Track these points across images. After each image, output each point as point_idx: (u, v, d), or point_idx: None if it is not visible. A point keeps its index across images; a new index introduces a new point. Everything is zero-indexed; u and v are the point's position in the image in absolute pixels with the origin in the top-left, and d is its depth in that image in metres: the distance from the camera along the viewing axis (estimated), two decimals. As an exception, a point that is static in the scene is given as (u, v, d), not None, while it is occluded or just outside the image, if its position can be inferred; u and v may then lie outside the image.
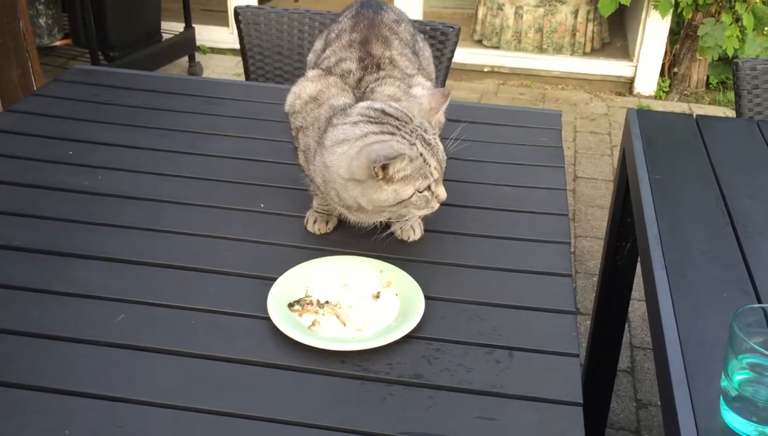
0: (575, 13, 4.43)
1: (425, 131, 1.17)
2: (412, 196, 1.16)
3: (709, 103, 4.28)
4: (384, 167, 1.12)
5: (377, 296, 1.20)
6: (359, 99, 1.25)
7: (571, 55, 4.47)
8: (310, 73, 1.32)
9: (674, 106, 4.23)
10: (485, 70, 4.44)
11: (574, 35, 4.45)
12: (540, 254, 1.34)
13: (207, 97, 1.86)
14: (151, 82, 1.96)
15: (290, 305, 1.16)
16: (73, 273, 1.23)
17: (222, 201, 1.45)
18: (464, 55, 4.32)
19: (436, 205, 1.21)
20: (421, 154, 1.15)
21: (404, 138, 1.14)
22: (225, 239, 1.34)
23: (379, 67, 1.29)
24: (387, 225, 1.31)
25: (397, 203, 1.16)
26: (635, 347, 2.47)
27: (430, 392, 1.04)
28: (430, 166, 1.15)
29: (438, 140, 1.19)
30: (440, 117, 1.34)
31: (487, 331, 1.15)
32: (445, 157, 1.20)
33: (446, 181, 1.52)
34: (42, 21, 4.05)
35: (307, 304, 1.17)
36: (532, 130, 1.79)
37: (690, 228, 1.40)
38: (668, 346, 1.10)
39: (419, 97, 1.20)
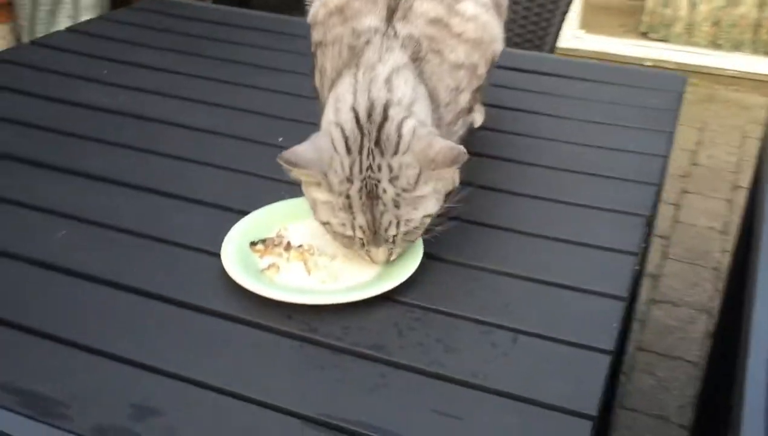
0: (760, 5, 3.86)
1: (390, 180, 0.83)
2: (326, 224, 0.88)
3: None
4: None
5: (366, 248, 0.93)
6: (393, 11, 0.99)
7: (753, 53, 3.90)
8: None
9: None
10: (646, 64, 3.98)
11: (756, 31, 3.88)
12: (606, 225, 1.02)
13: (267, 30, 1.68)
14: (214, 14, 1.80)
15: (253, 244, 0.93)
16: (41, 185, 1.07)
17: (243, 132, 1.24)
18: (624, 46, 3.89)
19: (370, 261, 0.89)
20: (348, 198, 0.84)
21: (349, 167, 0.84)
22: (225, 169, 1.13)
23: None
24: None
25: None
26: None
27: (384, 368, 0.77)
28: (354, 219, 0.84)
29: (398, 203, 0.84)
30: (455, 178, 1.02)
31: (495, 306, 0.86)
32: (394, 232, 0.85)
33: (514, 134, 1.25)
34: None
35: (274, 245, 0.93)
36: (643, 91, 1.44)
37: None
38: None
39: (436, 144, 0.85)
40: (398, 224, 0.85)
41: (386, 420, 0.70)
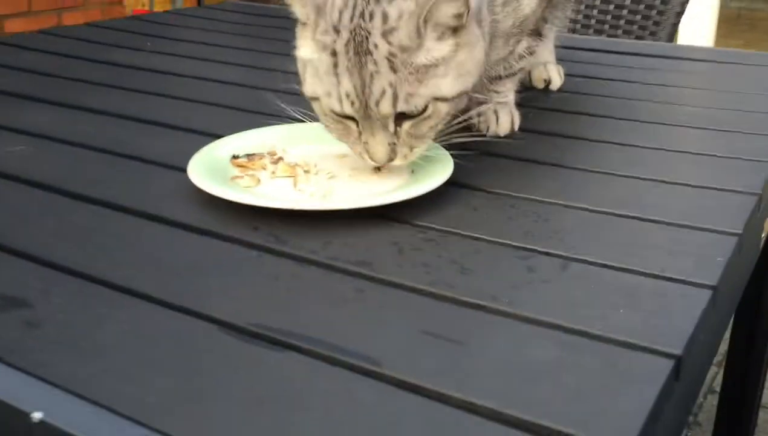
0: None
1: (383, 34, 0.61)
2: (314, 100, 0.66)
3: None
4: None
5: (379, 170, 0.71)
6: None
7: None
8: None
9: None
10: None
11: None
12: (719, 169, 0.76)
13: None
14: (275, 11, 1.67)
15: (235, 157, 0.72)
16: (28, 114, 0.92)
17: (258, 83, 1.05)
18: None
19: (368, 159, 0.66)
20: (334, 55, 0.62)
21: (339, 12, 0.62)
22: (227, 108, 0.94)
23: None
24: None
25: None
26: None
27: (363, 283, 0.53)
28: (339, 84, 0.62)
29: (393, 64, 0.61)
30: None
31: (541, 232, 0.61)
32: (389, 108, 0.62)
33: (634, 100, 1.00)
34: None
35: (260, 157, 0.72)
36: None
37: None
38: None
39: None
40: (395, 96, 0.61)
41: (349, 338, 0.46)
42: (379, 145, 0.63)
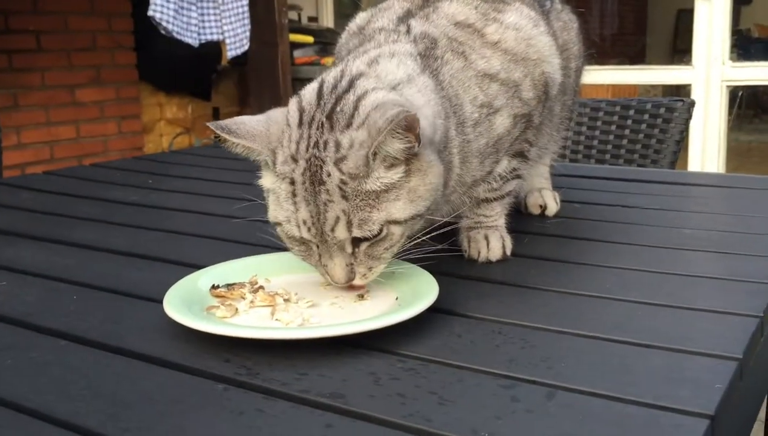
0: None
1: (335, 162, 0.62)
2: (277, 225, 0.67)
3: None
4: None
5: (362, 297, 0.68)
6: (411, 14, 0.81)
7: None
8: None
9: None
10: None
11: None
12: (720, 292, 0.72)
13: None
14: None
15: (214, 287, 0.70)
16: (10, 252, 0.91)
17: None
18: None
19: (329, 279, 0.67)
20: (292, 183, 0.64)
21: (296, 143, 0.64)
22: (213, 239, 0.93)
23: None
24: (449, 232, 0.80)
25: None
26: None
27: (333, 418, 0.49)
28: (297, 211, 0.64)
29: (345, 193, 0.62)
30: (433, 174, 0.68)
31: (528, 359, 0.57)
32: (344, 234, 0.63)
33: (633, 224, 0.98)
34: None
35: (240, 287, 0.70)
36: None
37: None
38: None
39: (391, 110, 0.62)
40: (349, 223, 0.62)
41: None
42: (338, 268, 0.65)
